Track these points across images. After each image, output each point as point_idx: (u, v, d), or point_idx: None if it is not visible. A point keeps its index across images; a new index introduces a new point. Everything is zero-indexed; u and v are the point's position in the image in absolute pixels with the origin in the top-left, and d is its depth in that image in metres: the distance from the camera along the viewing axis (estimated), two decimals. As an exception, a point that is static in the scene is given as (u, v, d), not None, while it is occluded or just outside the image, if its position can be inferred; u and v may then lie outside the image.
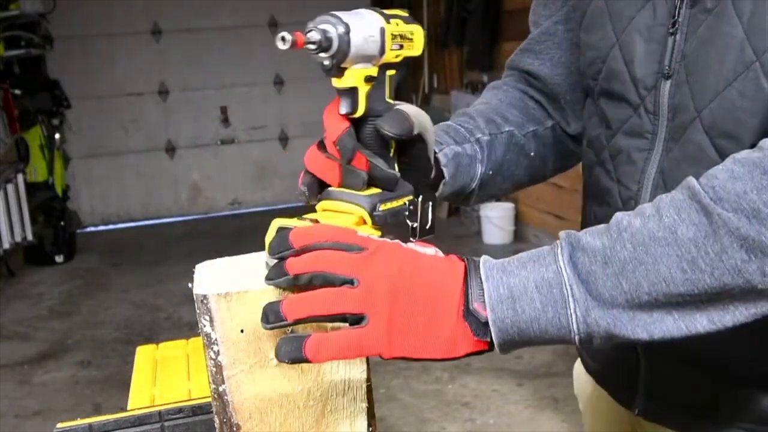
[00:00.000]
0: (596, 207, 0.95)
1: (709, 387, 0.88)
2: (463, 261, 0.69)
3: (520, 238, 5.36)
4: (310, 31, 0.70)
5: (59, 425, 1.10)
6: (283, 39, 0.68)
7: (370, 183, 0.76)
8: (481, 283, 0.67)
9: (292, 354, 0.65)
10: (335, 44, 0.70)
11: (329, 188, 0.77)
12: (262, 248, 0.74)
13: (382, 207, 0.75)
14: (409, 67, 0.80)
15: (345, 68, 0.73)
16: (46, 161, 5.88)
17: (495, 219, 5.32)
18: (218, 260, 0.79)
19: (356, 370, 0.75)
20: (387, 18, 0.75)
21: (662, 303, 0.64)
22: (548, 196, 4.88)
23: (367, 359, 0.75)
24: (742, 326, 0.79)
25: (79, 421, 1.10)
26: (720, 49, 0.77)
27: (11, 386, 3.63)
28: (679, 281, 0.63)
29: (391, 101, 0.77)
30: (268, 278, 0.68)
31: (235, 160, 7.22)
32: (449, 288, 0.66)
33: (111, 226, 7.05)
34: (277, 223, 0.74)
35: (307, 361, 0.64)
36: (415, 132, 0.76)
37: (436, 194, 0.86)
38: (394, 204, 0.77)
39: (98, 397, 3.42)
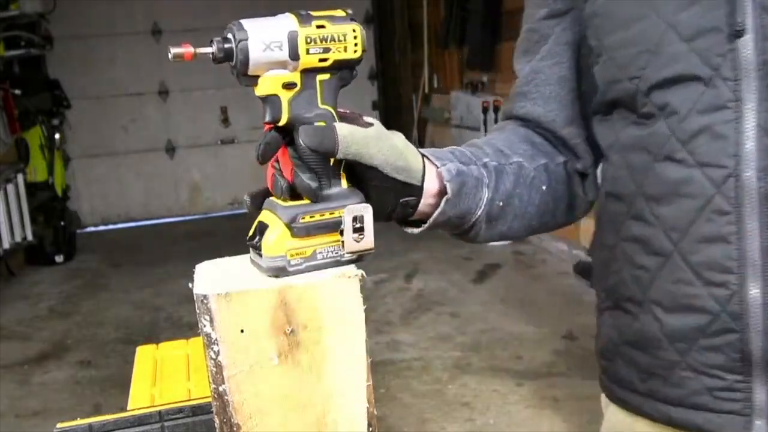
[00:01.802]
0: (661, 208, 0.86)
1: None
2: None
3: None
4: (212, 42, 0.70)
5: (59, 425, 1.10)
6: (172, 55, 0.70)
7: (295, 192, 0.75)
8: None
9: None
10: (234, 53, 0.70)
11: (269, 198, 0.77)
12: (262, 248, 0.75)
13: (304, 219, 0.74)
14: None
15: (257, 76, 0.72)
16: (46, 161, 5.88)
17: (495, 219, 5.31)
18: (218, 260, 0.79)
19: (356, 370, 0.75)
20: (305, 21, 0.73)
21: None
22: (548, 196, 4.89)
23: (367, 360, 0.75)
24: None
25: (79, 421, 1.10)
26: None
27: (11, 386, 3.63)
28: None
29: (329, 108, 0.75)
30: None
31: (235, 160, 7.22)
32: None
33: (111, 226, 7.05)
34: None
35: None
36: (340, 155, 0.74)
37: (436, 213, 0.83)
38: (320, 216, 0.75)
39: (98, 397, 3.42)
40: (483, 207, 0.87)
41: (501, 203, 0.89)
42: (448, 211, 0.84)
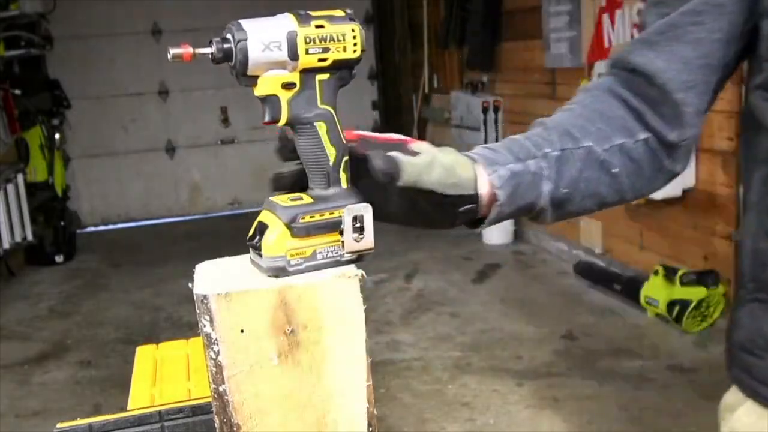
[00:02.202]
0: None
1: None
2: None
3: (520, 238, 5.37)
4: (211, 42, 0.71)
5: (59, 425, 1.10)
6: (171, 56, 0.70)
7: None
8: None
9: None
10: (233, 54, 0.70)
11: (269, 198, 0.78)
12: (262, 248, 0.75)
13: (303, 219, 0.75)
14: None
15: (256, 76, 0.73)
16: (46, 161, 5.88)
17: (495, 219, 5.31)
18: (218, 260, 0.79)
19: (356, 370, 0.75)
20: (304, 20, 0.73)
21: None
22: (548, 196, 4.88)
23: (367, 360, 0.75)
24: None
25: (79, 421, 1.10)
26: None
27: (11, 386, 3.63)
28: None
29: (328, 108, 0.76)
30: None
31: (235, 160, 7.22)
32: None
33: (111, 226, 7.05)
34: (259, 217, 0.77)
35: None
36: (401, 182, 0.77)
37: (491, 216, 0.86)
38: (319, 216, 0.75)
39: (98, 397, 3.42)
40: (545, 197, 0.88)
41: (566, 190, 0.89)
42: (504, 211, 0.86)
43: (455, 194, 0.82)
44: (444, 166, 0.81)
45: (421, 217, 0.83)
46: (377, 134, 0.83)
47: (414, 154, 0.80)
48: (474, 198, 0.84)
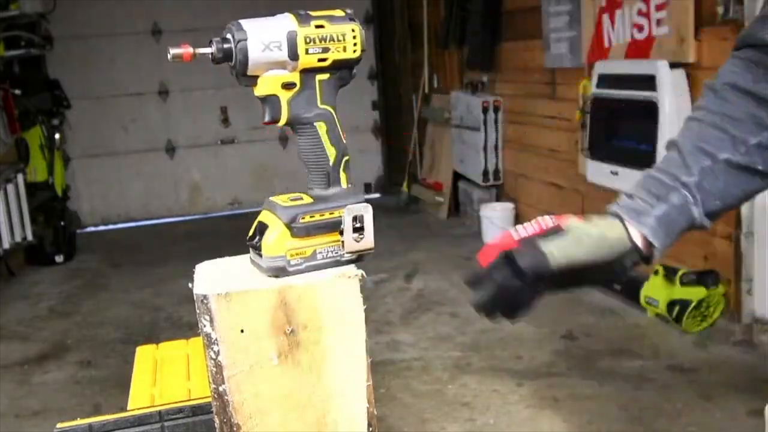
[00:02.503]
0: None
1: None
2: None
3: (520, 238, 5.35)
4: (211, 42, 0.71)
5: (59, 425, 1.10)
6: (171, 56, 0.71)
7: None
8: None
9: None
10: (233, 54, 0.71)
11: (269, 198, 0.79)
12: (262, 248, 0.75)
13: (303, 219, 0.75)
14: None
15: (256, 76, 0.73)
16: (46, 161, 5.88)
17: (495, 219, 5.31)
18: (218, 260, 0.80)
19: (356, 370, 0.75)
20: (304, 21, 0.73)
21: None
22: (548, 196, 4.88)
23: (367, 360, 0.75)
24: None
25: (79, 421, 1.11)
26: None
27: (11, 386, 3.62)
28: None
29: (329, 108, 0.76)
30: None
31: (235, 160, 7.23)
32: None
33: (111, 226, 7.06)
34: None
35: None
36: (555, 269, 0.82)
37: (655, 257, 0.91)
38: (319, 216, 0.76)
39: (98, 397, 3.42)
40: (699, 217, 0.91)
41: (717, 202, 0.92)
42: (665, 246, 0.91)
43: (614, 255, 0.86)
44: (591, 236, 0.85)
45: (598, 282, 0.91)
46: (533, 227, 0.86)
47: (562, 233, 0.85)
48: (634, 250, 0.89)
